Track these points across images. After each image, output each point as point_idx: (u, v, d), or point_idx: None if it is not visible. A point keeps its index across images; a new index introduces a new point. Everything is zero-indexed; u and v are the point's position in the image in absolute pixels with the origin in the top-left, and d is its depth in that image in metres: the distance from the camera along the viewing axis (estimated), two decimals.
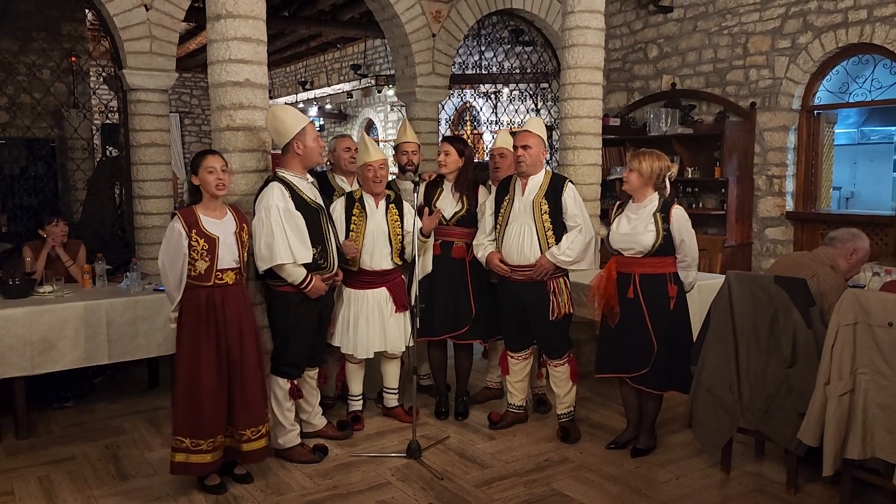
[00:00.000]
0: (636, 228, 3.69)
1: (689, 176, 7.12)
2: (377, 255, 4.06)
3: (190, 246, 3.26)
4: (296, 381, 3.80)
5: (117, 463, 3.80)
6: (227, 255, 3.33)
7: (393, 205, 4.16)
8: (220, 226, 3.35)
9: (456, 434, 4.18)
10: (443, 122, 8.86)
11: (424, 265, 4.23)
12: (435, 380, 4.60)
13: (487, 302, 4.28)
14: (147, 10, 5.41)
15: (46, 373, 4.18)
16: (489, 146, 4.97)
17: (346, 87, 10.85)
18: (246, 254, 3.46)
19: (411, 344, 3.94)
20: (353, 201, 4.10)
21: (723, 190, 6.82)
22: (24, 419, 4.14)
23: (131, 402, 4.78)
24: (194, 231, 3.27)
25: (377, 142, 6.67)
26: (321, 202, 3.80)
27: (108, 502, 3.35)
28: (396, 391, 4.39)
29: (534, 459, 3.82)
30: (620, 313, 3.76)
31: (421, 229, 4.04)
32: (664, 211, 3.66)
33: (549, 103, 8.33)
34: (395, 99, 11.56)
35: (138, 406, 4.69)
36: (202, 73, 14.84)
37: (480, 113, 9.97)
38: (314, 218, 3.69)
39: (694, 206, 7.01)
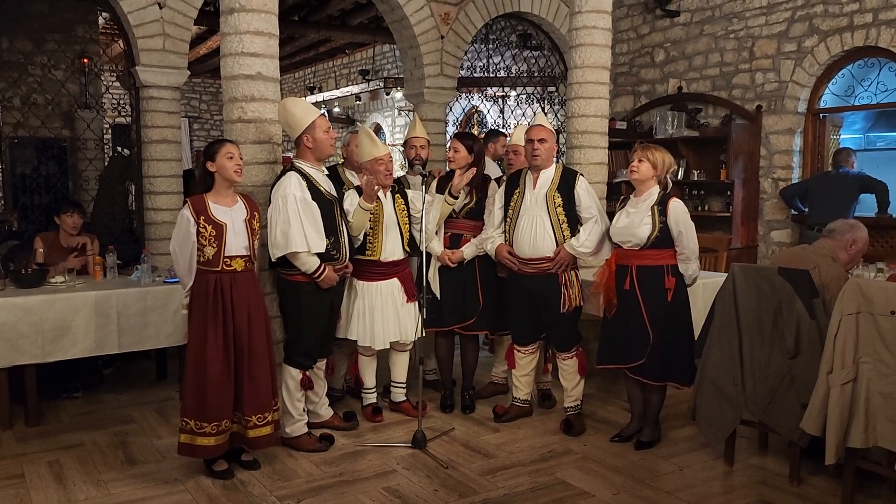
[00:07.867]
0: (633, 222, 3.73)
1: (695, 178, 7.15)
2: (390, 246, 4.11)
3: (198, 232, 3.31)
4: (307, 372, 3.85)
5: (126, 449, 3.85)
6: (236, 242, 3.38)
7: (398, 194, 4.23)
8: (230, 213, 3.40)
9: (461, 426, 4.21)
10: (451, 124, 8.91)
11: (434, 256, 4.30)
12: (441, 374, 4.63)
13: (495, 294, 4.33)
14: (160, 7, 5.49)
15: (56, 364, 4.23)
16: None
17: (355, 89, 10.92)
18: (257, 242, 3.51)
19: (421, 335, 3.97)
20: None
21: (728, 192, 6.85)
22: (35, 407, 4.19)
23: (139, 393, 4.83)
24: (202, 217, 3.32)
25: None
26: (336, 194, 3.86)
27: (117, 486, 3.39)
28: (404, 385, 4.43)
29: (538, 451, 3.85)
30: (618, 305, 3.80)
31: (450, 189, 4.17)
32: (662, 204, 3.70)
33: (557, 107, 8.37)
34: (403, 103, 11.64)
35: (146, 397, 4.74)
36: (211, 78, 14.95)
37: (488, 115, 10.03)
38: (328, 209, 3.75)
39: (700, 208, 7.05)
